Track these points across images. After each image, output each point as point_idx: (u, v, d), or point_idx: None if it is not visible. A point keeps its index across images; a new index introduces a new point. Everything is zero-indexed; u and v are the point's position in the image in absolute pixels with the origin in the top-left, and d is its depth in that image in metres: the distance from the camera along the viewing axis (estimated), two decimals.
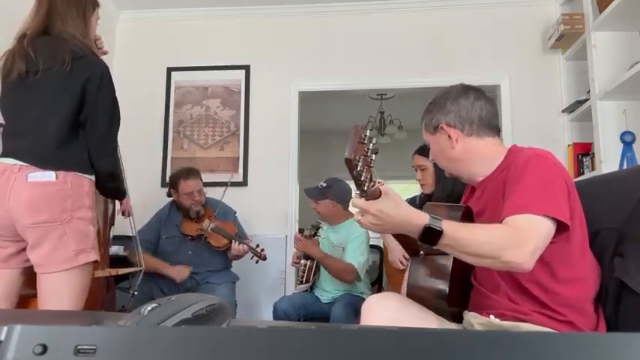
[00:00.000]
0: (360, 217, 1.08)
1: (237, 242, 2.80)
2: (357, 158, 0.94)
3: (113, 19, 3.86)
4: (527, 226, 1.08)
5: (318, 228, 2.95)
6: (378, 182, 1.03)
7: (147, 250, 2.78)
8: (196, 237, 2.85)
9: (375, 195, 1.04)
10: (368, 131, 0.97)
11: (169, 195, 2.99)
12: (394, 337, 0.31)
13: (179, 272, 2.77)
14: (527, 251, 1.05)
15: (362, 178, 0.97)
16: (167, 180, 3.70)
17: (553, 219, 1.10)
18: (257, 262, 2.90)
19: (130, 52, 3.88)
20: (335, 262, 2.74)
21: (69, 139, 1.64)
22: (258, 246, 2.88)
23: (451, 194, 2.08)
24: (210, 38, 3.85)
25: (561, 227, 1.12)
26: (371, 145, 0.98)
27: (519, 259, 1.05)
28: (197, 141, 3.76)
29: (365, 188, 1.00)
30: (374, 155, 0.99)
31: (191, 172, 2.90)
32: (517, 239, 1.06)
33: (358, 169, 0.95)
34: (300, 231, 3.01)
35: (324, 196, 2.85)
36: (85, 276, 1.65)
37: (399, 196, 1.09)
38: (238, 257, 2.88)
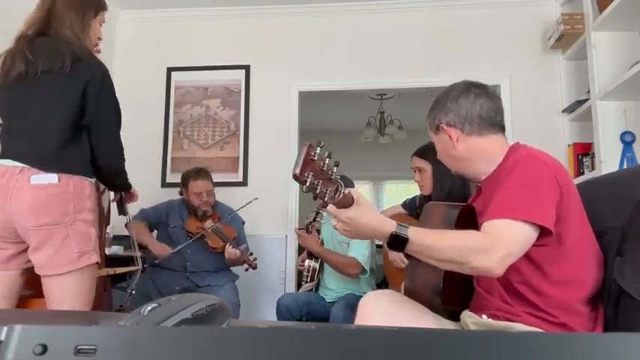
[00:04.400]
0: (334, 223, 1.13)
1: (231, 246, 2.80)
2: (307, 174, 0.99)
3: (113, 19, 3.86)
4: (500, 232, 1.09)
5: (317, 213, 2.96)
6: (345, 193, 1.07)
7: (142, 221, 2.91)
8: (196, 234, 2.87)
9: (347, 203, 1.09)
10: (319, 148, 1.01)
11: (181, 194, 3.05)
12: (394, 337, 0.31)
13: (161, 249, 2.81)
14: (497, 257, 1.06)
15: (317, 191, 1.02)
16: (167, 180, 3.72)
17: (534, 224, 1.10)
18: (246, 269, 2.90)
19: (130, 52, 3.88)
20: (336, 256, 2.76)
21: (70, 141, 1.64)
22: (251, 254, 2.89)
23: (449, 195, 2.08)
24: (210, 38, 3.86)
25: (549, 230, 1.12)
26: (327, 160, 1.02)
27: (487, 265, 1.06)
28: (197, 141, 3.76)
29: (325, 199, 1.05)
30: (335, 168, 1.04)
31: (200, 173, 2.95)
32: (486, 245, 1.08)
33: (308, 184, 0.99)
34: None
35: None
36: (88, 278, 1.65)
37: (370, 204, 1.14)
38: (232, 262, 2.89)
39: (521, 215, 1.10)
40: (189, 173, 2.97)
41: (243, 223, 3.13)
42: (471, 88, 1.34)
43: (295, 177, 0.99)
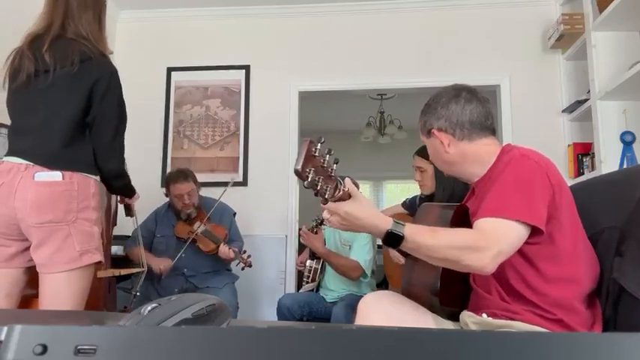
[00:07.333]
0: (328, 217, 1.14)
1: (225, 246, 2.78)
2: (308, 170, 0.99)
3: (113, 19, 3.86)
4: (493, 231, 1.11)
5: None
6: (344, 189, 1.09)
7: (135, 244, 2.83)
8: (187, 239, 2.83)
9: (344, 198, 1.11)
10: (319, 144, 1.01)
11: (167, 195, 3.02)
12: (394, 337, 0.32)
13: (159, 263, 2.76)
14: (489, 255, 1.08)
15: (318, 188, 1.03)
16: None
17: (525, 223, 1.11)
18: (242, 268, 2.86)
19: (130, 52, 3.87)
20: (339, 258, 2.77)
21: (76, 139, 1.64)
22: (245, 252, 2.85)
23: (452, 196, 2.08)
24: (210, 38, 3.86)
25: (540, 229, 1.13)
26: (327, 156, 1.03)
27: (479, 264, 1.08)
28: (197, 141, 3.76)
29: (326, 196, 1.06)
30: (335, 165, 1.05)
31: (180, 175, 2.88)
32: (478, 244, 1.09)
33: (309, 179, 0.99)
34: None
35: None
36: (87, 277, 1.65)
37: (368, 200, 1.16)
38: (227, 261, 2.87)
39: (512, 215, 1.11)
40: (170, 176, 2.94)
41: (234, 214, 3.08)
42: (461, 92, 1.35)
43: (297, 173, 0.99)
